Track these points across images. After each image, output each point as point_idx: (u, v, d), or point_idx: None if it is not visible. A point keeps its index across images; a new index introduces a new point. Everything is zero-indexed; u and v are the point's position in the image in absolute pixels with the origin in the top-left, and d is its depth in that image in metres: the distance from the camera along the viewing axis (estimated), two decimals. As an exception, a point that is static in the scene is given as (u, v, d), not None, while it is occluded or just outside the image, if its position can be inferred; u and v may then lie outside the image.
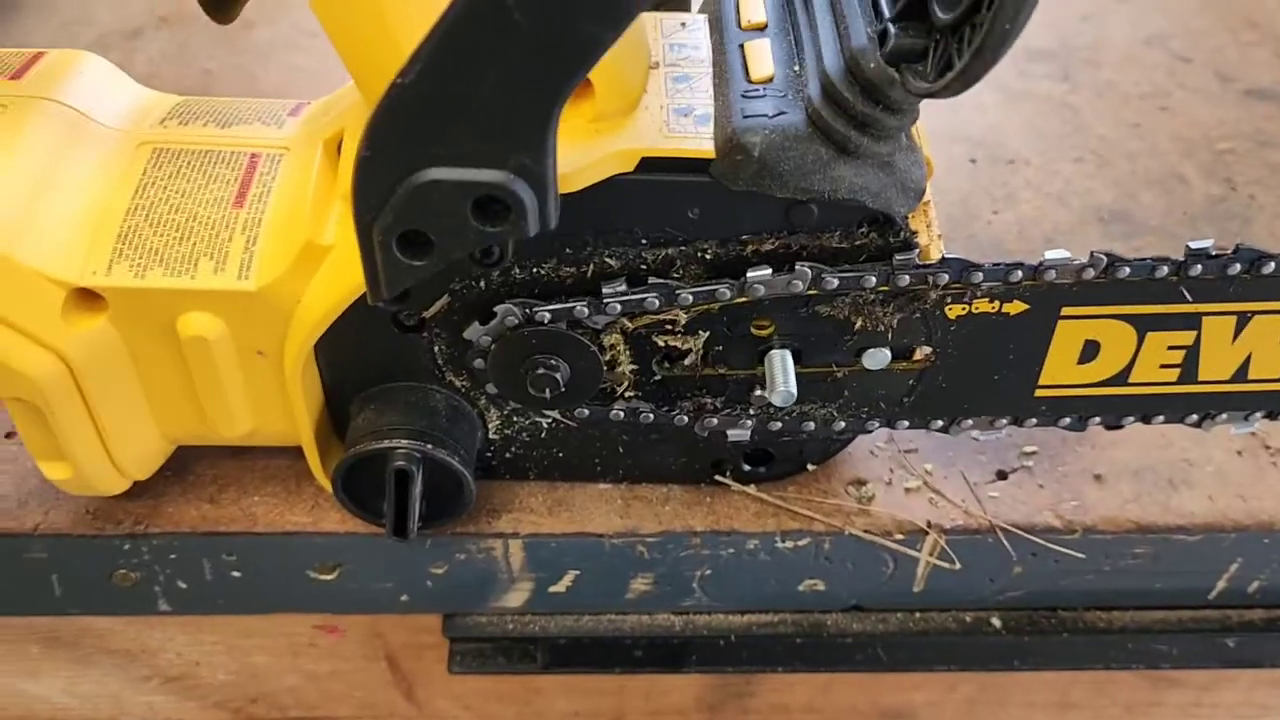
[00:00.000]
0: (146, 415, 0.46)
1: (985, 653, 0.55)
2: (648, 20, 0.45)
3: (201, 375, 0.44)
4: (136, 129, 0.47)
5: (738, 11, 0.44)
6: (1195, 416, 0.47)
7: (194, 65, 0.77)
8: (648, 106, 0.41)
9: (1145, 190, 0.71)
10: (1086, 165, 0.72)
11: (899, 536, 0.51)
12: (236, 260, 0.43)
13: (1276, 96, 0.79)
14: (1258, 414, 0.47)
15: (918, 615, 0.55)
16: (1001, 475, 0.53)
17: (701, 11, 0.47)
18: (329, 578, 0.52)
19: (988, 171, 0.71)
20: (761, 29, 0.43)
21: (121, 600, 0.52)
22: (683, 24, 0.46)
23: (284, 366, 0.44)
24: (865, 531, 0.51)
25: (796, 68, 0.41)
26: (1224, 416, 0.47)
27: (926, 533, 0.51)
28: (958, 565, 0.51)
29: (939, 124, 0.67)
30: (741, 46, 0.43)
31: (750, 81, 0.41)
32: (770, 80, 0.41)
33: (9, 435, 0.53)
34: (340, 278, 0.42)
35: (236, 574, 0.51)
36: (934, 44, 0.36)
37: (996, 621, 0.55)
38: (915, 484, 0.52)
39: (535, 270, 0.43)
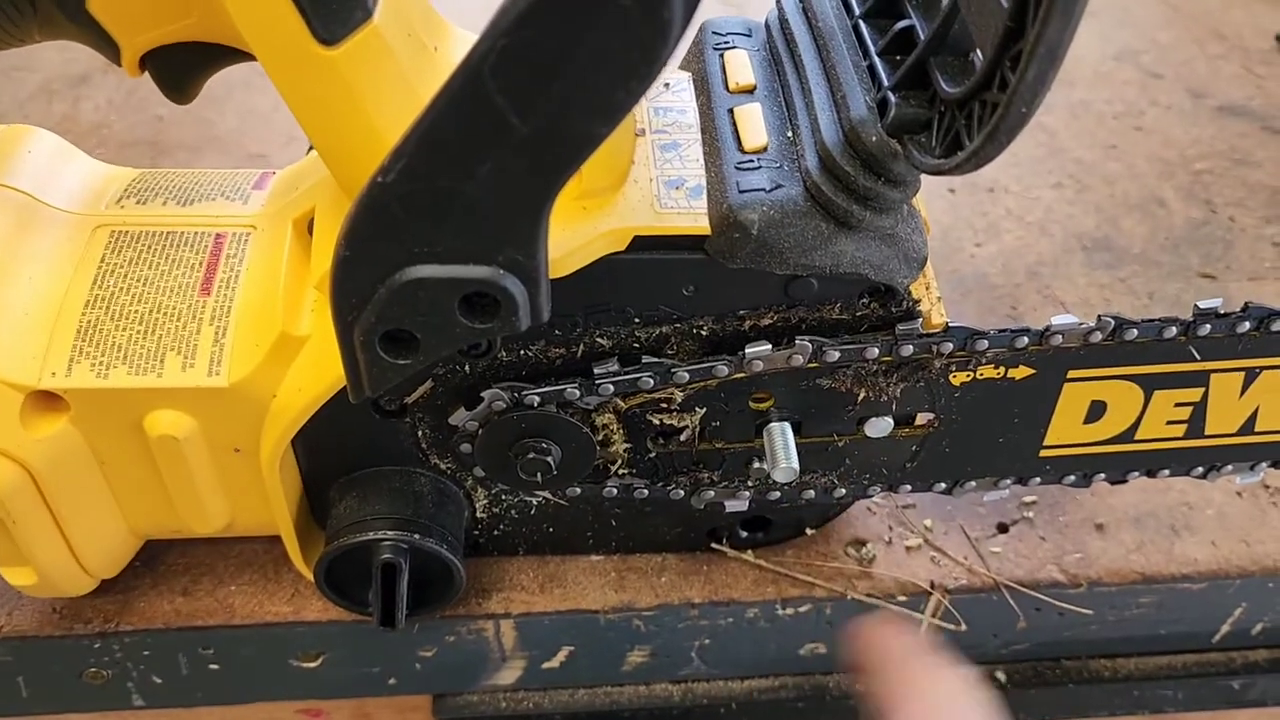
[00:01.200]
0: (114, 514, 0.44)
1: (990, 707, 0.54)
2: (630, 83, 0.43)
3: (172, 473, 0.42)
4: (92, 210, 0.44)
5: (724, 72, 0.43)
6: (1201, 469, 0.46)
7: (145, 111, 0.74)
8: (636, 180, 0.39)
9: (1126, 216, 0.70)
10: (1066, 191, 0.71)
11: (901, 598, 0.50)
12: (206, 354, 0.40)
13: (1248, 113, 0.79)
14: (1264, 464, 0.46)
15: (921, 673, 0.54)
16: (1002, 529, 0.52)
17: (683, 69, 0.45)
18: (312, 665, 0.49)
19: (968, 201, 0.70)
20: (750, 91, 0.41)
21: (92, 698, 0.49)
22: (666, 84, 0.44)
23: (260, 461, 0.42)
24: (868, 595, 0.49)
25: (790, 134, 0.40)
26: (1229, 468, 0.46)
27: (930, 593, 0.50)
28: (962, 626, 0.50)
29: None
30: (731, 112, 0.41)
31: (743, 151, 0.39)
32: (764, 150, 0.39)
33: (-35, 529, 0.50)
34: (319, 371, 0.40)
35: (214, 666, 0.49)
36: (938, 115, 0.35)
37: (1001, 676, 0.54)
38: (916, 542, 0.51)
39: (522, 352, 0.41)
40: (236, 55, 0.38)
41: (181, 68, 0.39)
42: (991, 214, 0.69)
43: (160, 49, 0.38)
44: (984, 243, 0.67)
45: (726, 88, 0.42)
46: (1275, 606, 0.53)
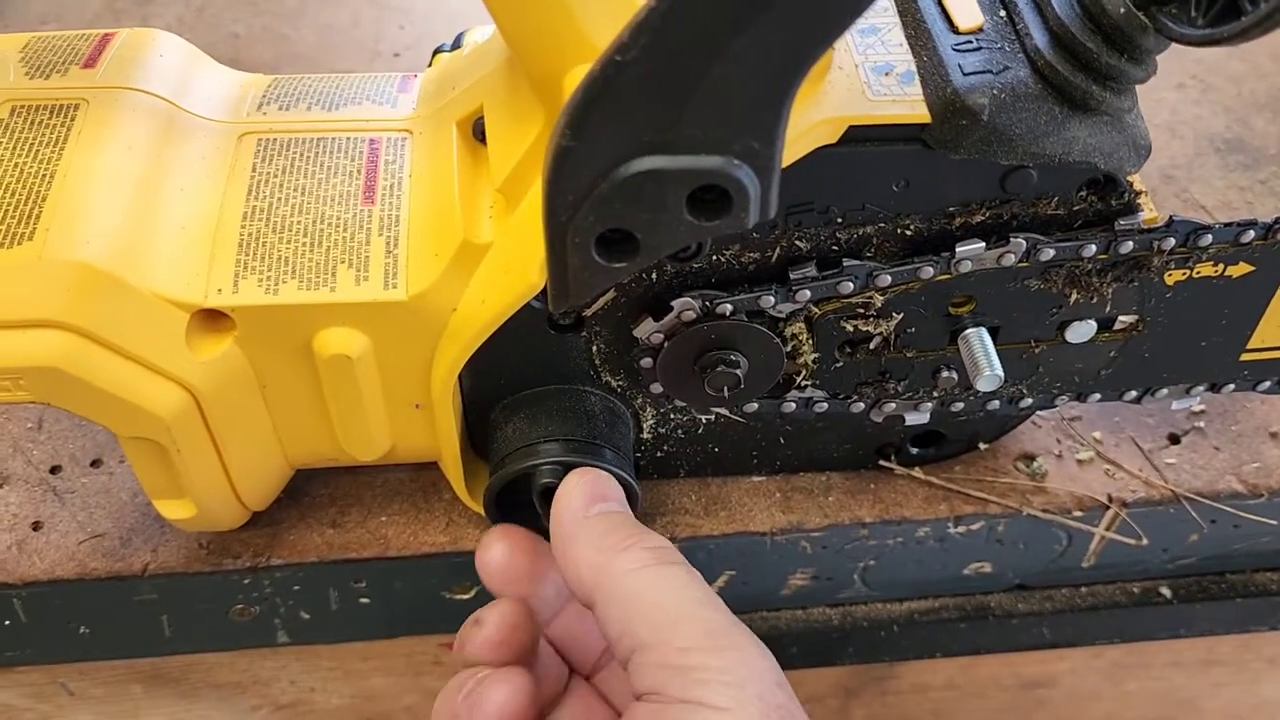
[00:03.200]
0: (273, 441, 0.41)
1: (1154, 623, 0.53)
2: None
3: (339, 396, 0.39)
4: (234, 118, 0.41)
5: (920, -49, 0.39)
6: None
7: (219, 30, 0.70)
8: (841, 66, 0.36)
9: (1256, 115, 0.67)
10: (1190, 91, 0.68)
11: (1078, 513, 0.47)
12: (380, 266, 0.37)
13: (1366, 7, 0.76)
14: None
15: (1084, 590, 0.52)
16: (1174, 439, 0.50)
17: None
18: (465, 597, 0.47)
19: (1089, 105, 0.67)
20: (954, -29, 0.38)
21: (236, 635, 0.48)
22: (848, -33, 0.41)
23: (434, 381, 0.39)
24: (1044, 510, 0.47)
25: (1002, 13, 0.37)
26: None
27: (1108, 507, 0.48)
28: (1144, 540, 0.48)
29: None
30: (936, -9, 0.38)
31: (958, 32, 0.36)
32: (981, 29, 0.36)
33: (95, 464, 0.47)
34: (505, 281, 0.37)
35: (365, 600, 0.47)
36: (1197, -20, 0.32)
37: (1166, 591, 0.52)
38: (1088, 455, 0.49)
39: (714, 258, 0.38)
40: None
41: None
42: (1117, 117, 0.66)
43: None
44: (1114, 147, 0.64)
45: (926, -33, 0.39)
46: None
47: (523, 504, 0.43)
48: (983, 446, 0.48)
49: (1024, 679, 0.60)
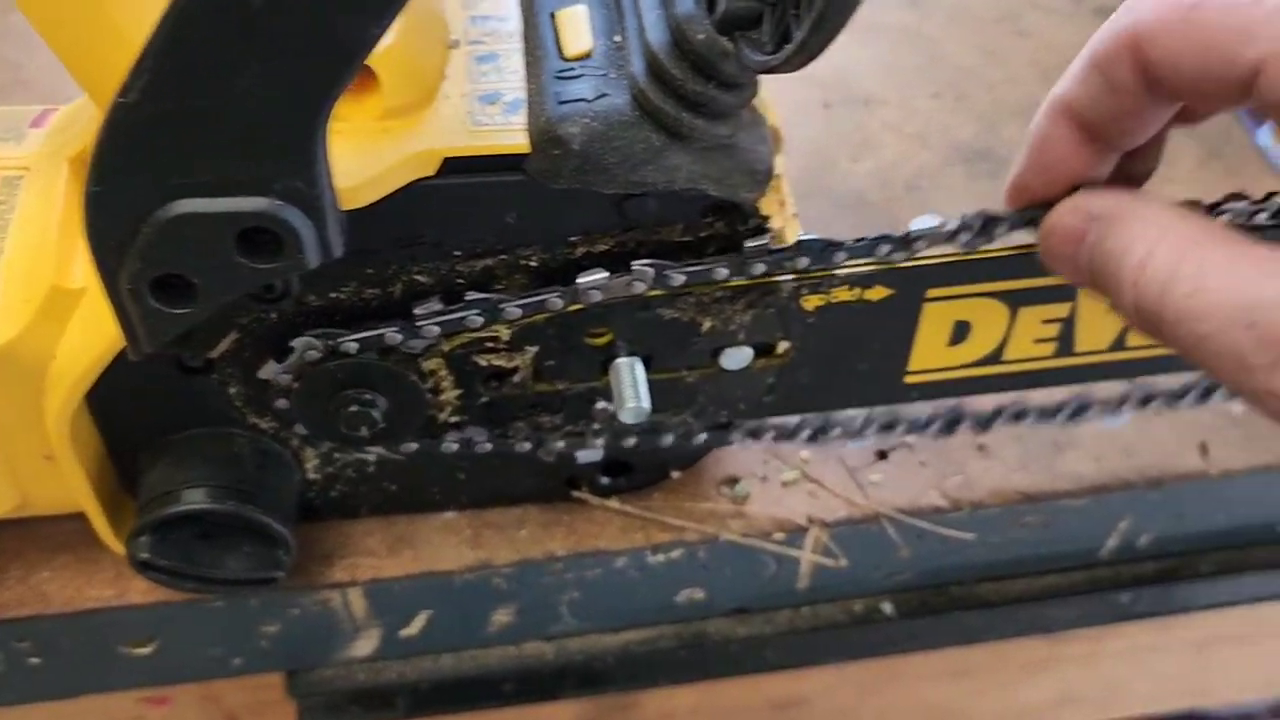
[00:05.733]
0: (-113, 500, 0.39)
1: (878, 639, 0.52)
2: (445, -12, 0.39)
3: (-56, 450, 0.37)
4: None
5: (546, -28, 0.38)
6: (1068, 411, 0.44)
7: (-54, 53, 0.67)
8: (448, 95, 0.35)
9: (1007, 124, 0.67)
10: (945, 100, 0.68)
11: (779, 536, 0.47)
12: (-32, 313, 0.35)
13: (1129, 13, 0.77)
14: (1128, 407, 0.44)
15: (805, 611, 0.51)
16: (882, 455, 0.49)
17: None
18: (145, 651, 0.45)
19: (843, 115, 0.67)
20: (575, -7, 0.37)
21: (-101, 703, 0.45)
22: (485, -11, 0.39)
23: (48, 431, 0.37)
24: (742, 535, 0.46)
25: (618, 38, 0.36)
26: (1094, 410, 0.44)
27: (808, 529, 0.47)
28: (843, 561, 0.48)
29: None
30: (553, 15, 0.37)
31: (564, 58, 0.35)
32: (588, 55, 0.35)
33: None
34: (100, 326, 0.35)
35: (35, 660, 0.44)
36: (769, 8, 0.31)
37: (888, 607, 0.52)
38: (792, 475, 0.48)
39: (333, 295, 0.37)
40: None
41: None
42: (868, 127, 0.66)
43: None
44: (860, 158, 0.64)
45: (548, -11, 0.38)
46: (1160, 517, 0.51)
47: (181, 550, 0.41)
48: (675, 475, 0.47)
49: (773, 699, 0.59)
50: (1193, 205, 0.34)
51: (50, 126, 0.41)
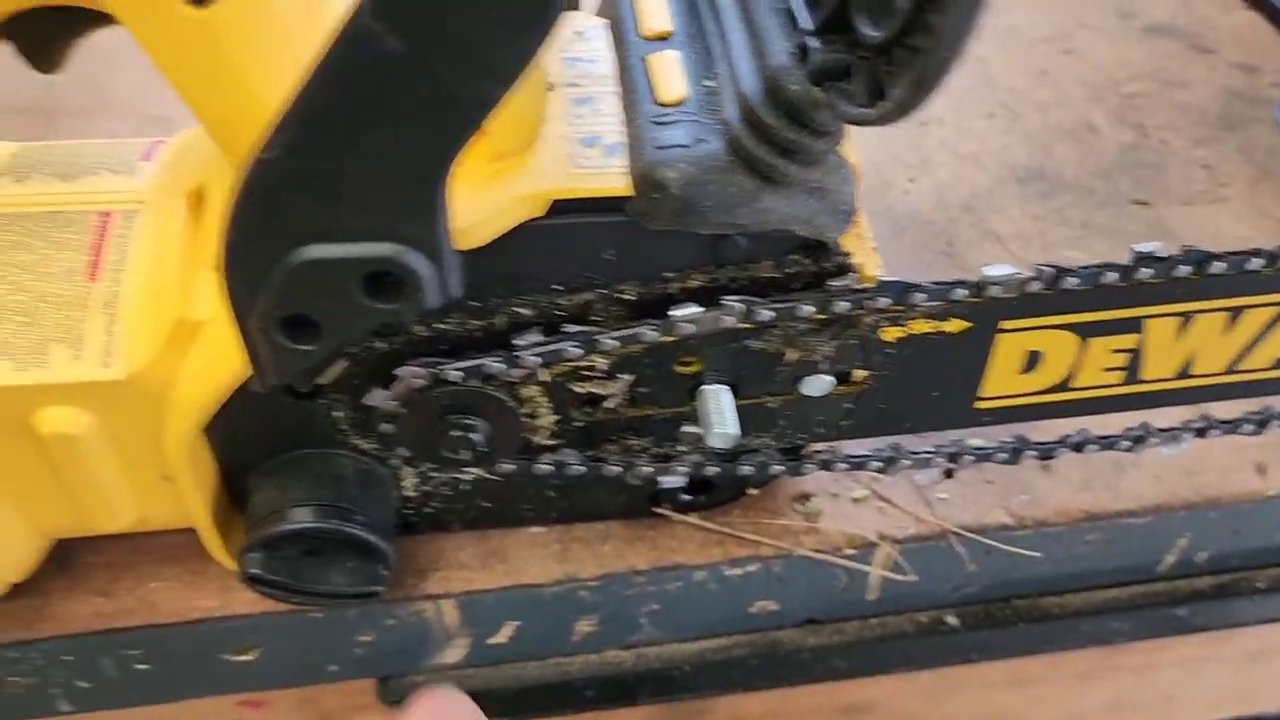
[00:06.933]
0: (14, 516, 0.41)
1: (943, 649, 0.54)
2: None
3: (71, 472, 0.39)
4: (-34, 194, 0.41)
5: (636, 17, 0.40)
6: (1130, 441, 0.46)
7: (33, 76, 0.69)
8: (548, 137, 0.37)
9: (1059, 143, 0.68)
10: (999, 120, 0.70)
11: (850, 551, 0.49)
12: (97, 344, 0.37)
13: (1175, 32, 0.78)
14: (1189, 435, 0.46)
15: (873, 621, 0.53)
16: (949, 473, 0.51)
17: (600, 14, 0.43)
18: (246, 659, 0.47)
19: (901, 136, 0.68)
20: (666, 38, 0.39)
21: (14, 708, 0.47)
22: (578, 32, 0.41)
23: (168, 455, 0.39)
24: (815, 551, 0.48)
25: (710, 82, 0.38)
26: (1156, 440, 0.46)
27: (878, 545, 0.49)
28: (912, 577, 0.49)
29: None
30: (644, 60, 0.38)
31: (659, 104, 0.37)
32: (682, 102, 0.37)
33: None
34: (221, 358, 0.37)
35: (143, 666, 0.47)
36: (861, 61, 0.33)
37: (953, 619, 0.53)
38: (862, 493, 0.50)
39: (439, 326, 0.39)
40: (102, 19, 0.35)
41: (44, 36, 0.36)
42: (924, 148, 0.68)
43: (19, 16, 0.35)
44: (917, 178, 0.65)
45: (639, 34, 0.39)
46: (1219, 535, 0.52)
47: (286, 565, 0.43)
48: (752, 493, 0.49)
49: (841, 705, 0.61)
50: None
51: (161, 160, 0.43)
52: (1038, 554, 0.50)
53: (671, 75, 0.37)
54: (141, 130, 0.60)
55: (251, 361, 0.34)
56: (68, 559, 0.46)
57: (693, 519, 0.48)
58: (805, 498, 0.50)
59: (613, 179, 0.36)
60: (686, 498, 0.48)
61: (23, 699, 0.47)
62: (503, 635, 0.49)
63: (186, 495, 0.41)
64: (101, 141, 0.44)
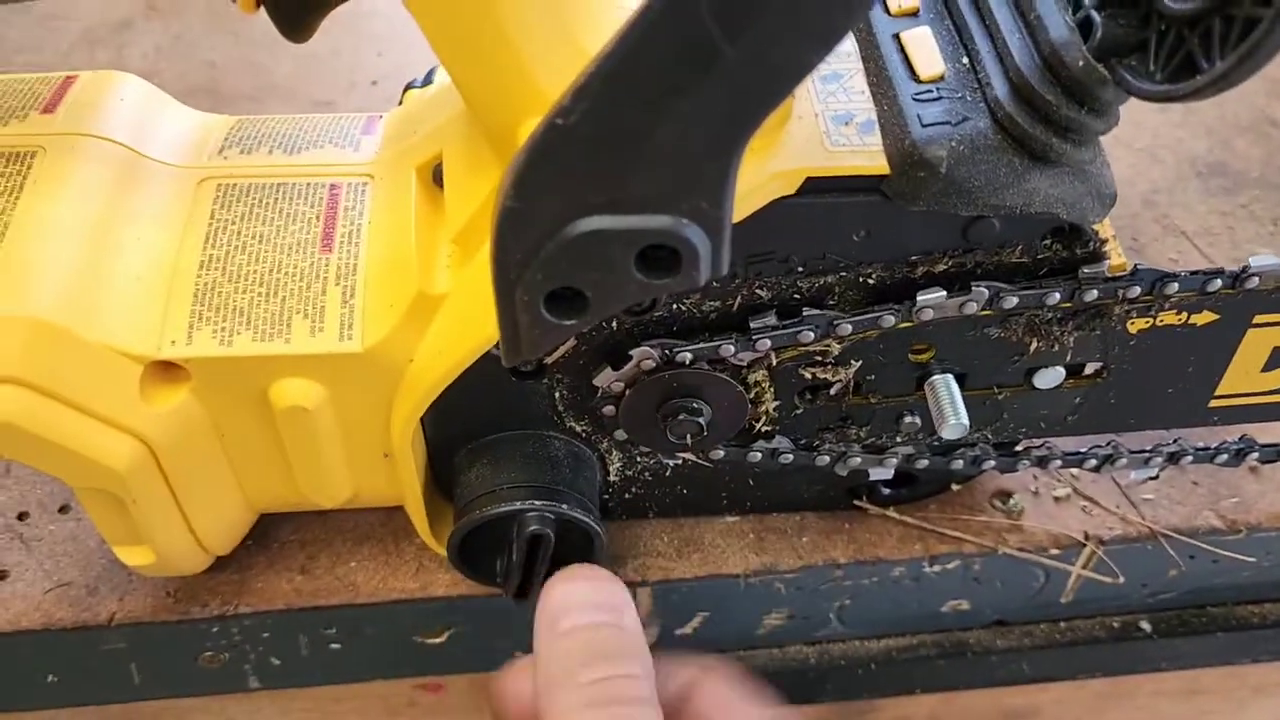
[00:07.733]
0: (233, 487, 0.41)
1: (1134, 657, 0.52)
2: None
3: (297, 445, 0.39)
4: (194, 162, 0.41)
5: (880, -7, 0.39)
6: None
7: (194, 58, 0.70)
8: (800, 115, 0.36)
9: (1239, 138, 0.66)
10: (1172, 114, 0.68)
11: (1054, 551, 0.47)
12: (335, 317, 0.37)
13: (1354, 24, 0.75)
14: None
15: (1063, 625, 0.51)
16: (1153, 475, 0.49)
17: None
18: (437, 641, 0.47)
19: (1072, 128, 0.67)
20: (914, 14, 0.38)
21: (206, 681, 0.47)
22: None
23: (393, 431, 0.39)
24: (1020, 549, 0.47)
25: (965, 60, 0.36)
26: None
27: (1084, 545, 0.47)
28: (1120, 579, 0.48)
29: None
30: (897, 37, 0.37)
31: (919, 80, 0.36)
32: (942, 78, 0.36)
33: (63, 509, 0.47)
34: (461, 332, 0.36)
35: (336, 645, 0.46)
36: (1156, 35, 0.31)
37: (1146, 625, 0.51)
38: (1064, 492, 0.48)
39: (675, 307, 0.38)
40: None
41: (303, 4, 0.35)
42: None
43: (277, -16, 0.35)
44: (1096, 171, 0.63)
45: (887, 10, 0.38)
46: None
47: (489, 548, 0.42)
48: (955, 488, 0.47)
49: (1006, 709, 0.59)
50: None
51: (382, 133, 0.42)
52: (1252, 559, 0.48)
53: (929, 51, 0.36)
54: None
55: (504, 336, 0.33)
56: (266, 535, 0.46)
57: (892, 513, 0.47)
58: (1006, 495, 0.48)
59: (869, 157, 0.35)
60: (887, 491, 0.47)
61: (216, 673, 0.47)
62: (690, 626, 0.48)
63: (403, 472, 0.40)
64: (321, 115, 0.43)
